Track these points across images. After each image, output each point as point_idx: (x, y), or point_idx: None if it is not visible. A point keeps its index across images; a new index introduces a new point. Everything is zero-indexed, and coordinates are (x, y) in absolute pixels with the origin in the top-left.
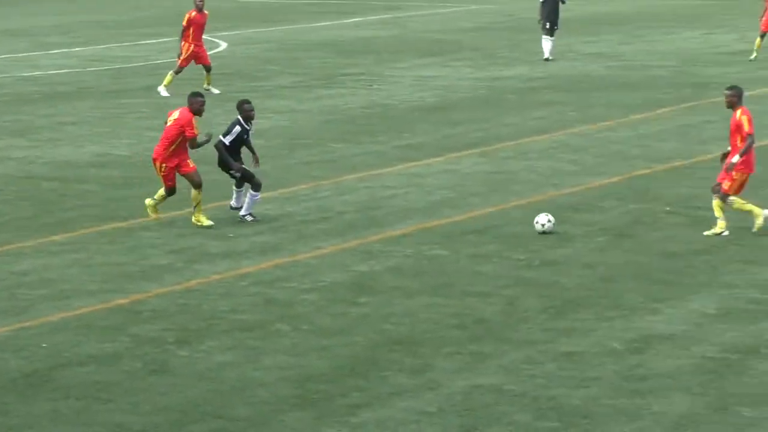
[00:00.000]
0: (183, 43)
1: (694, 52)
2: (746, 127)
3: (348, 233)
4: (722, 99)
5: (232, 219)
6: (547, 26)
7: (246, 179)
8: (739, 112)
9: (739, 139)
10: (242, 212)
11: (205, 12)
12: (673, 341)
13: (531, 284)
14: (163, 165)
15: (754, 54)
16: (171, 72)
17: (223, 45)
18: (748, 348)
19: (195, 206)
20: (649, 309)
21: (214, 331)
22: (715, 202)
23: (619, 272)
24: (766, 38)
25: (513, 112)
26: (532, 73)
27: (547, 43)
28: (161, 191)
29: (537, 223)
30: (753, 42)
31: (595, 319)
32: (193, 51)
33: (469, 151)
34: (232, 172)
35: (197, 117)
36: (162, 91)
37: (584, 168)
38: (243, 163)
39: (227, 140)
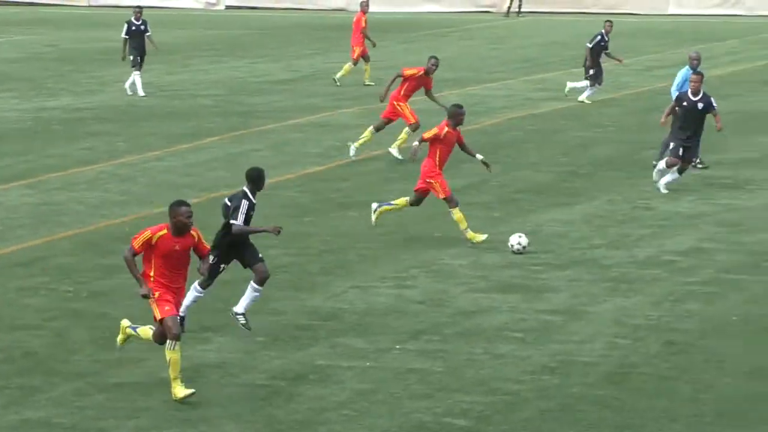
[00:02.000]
0: None
1: (240, 81)
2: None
3: None
4: (268, 127)
5: None
6: (138, 59)
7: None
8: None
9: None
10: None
11: None
12: (224, 369)
13: (80, 316)
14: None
15: (339, 74)
16: None
17: None
18: (295, 374)
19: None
20: (200, 338)
21: None
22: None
23: None
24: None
25: (60, 142)
26: (78, 103)
27: (137, 79)
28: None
29: (518, 244)
30: (297, 71)
31: (146, 349)
32: None
33: (16, 183)
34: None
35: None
36: None
37: (133, 198)
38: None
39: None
